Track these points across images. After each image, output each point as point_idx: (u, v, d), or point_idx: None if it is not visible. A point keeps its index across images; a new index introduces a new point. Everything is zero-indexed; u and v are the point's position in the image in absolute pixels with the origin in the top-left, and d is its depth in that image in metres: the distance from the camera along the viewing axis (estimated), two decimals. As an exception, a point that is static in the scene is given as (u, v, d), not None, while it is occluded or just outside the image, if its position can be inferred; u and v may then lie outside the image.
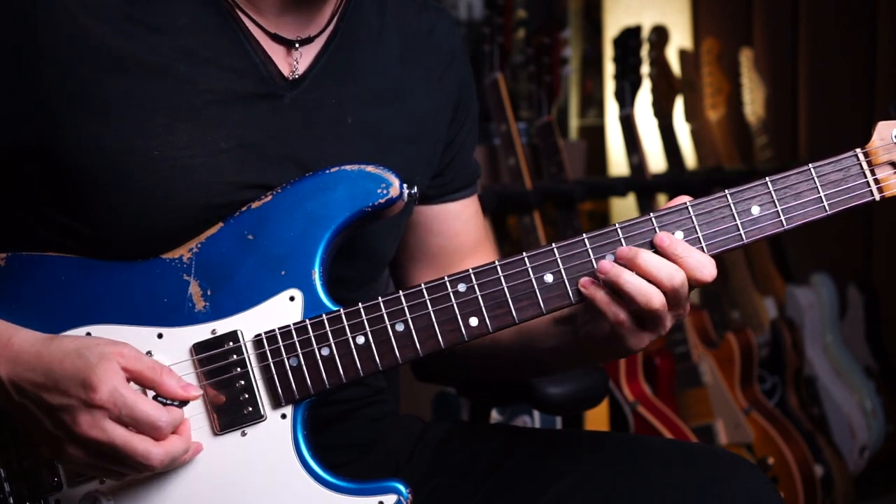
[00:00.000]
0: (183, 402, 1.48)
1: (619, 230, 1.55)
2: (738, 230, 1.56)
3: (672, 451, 1.69)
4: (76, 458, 1.46)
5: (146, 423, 1.44)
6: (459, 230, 1.87)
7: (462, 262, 1.86)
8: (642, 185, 4.16)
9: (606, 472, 1.66)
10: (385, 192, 1.57)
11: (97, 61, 1.52)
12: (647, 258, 1.52)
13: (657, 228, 1.55)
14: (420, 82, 1.77)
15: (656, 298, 1.51)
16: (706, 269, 1.53)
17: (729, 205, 1.56)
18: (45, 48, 1.50)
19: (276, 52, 1.64)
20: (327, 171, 1.58)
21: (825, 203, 1.56)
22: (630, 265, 1.52)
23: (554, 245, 1.56)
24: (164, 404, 1.46)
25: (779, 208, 1.56)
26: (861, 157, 1.57)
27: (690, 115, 4.76)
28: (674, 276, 1.51)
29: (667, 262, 1.52)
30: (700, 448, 1.74)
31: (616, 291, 1.52)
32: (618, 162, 5.11)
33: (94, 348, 1.46)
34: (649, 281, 1.51)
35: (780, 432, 4.00)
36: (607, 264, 1.53)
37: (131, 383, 1.46)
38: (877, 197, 1.57)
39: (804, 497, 3.97)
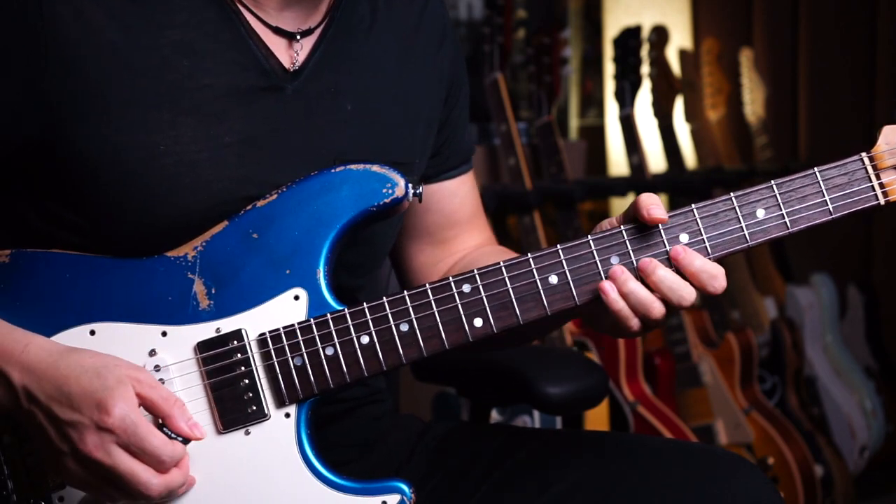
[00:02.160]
0: (186, 440, 1.49)
1: (623, 232, 1.55)
2: (743, 232, 1.56)
3: (672, 451, 1.69)
4: (75, 473, 1.46)
5: (152, 455, 1.44)
6: (456, 207, 1.88)
7: (458, 237, 1.88)
8: (642, 185, 4.15)
9: (606, 472, 1.66)
10: (390, 191, 1.57)
11: (100, 57, 1.52)
12: (663, 275, 1.52)
13: (662, 231, 1.56)
14: (414, 65, 1.78)
15: (657, 308, 1.53)
16: (720, 283, 1.53)
17: (734, 207, 1.56)
18: (49, 44, 1.50)
19: (276, 45, 1.64)
20: (333, 171, 1.58)
21: (830, 206, 1.56)
22: (647, 279, 1.53)
23: (559, 246, 1.56)
24: (169, 437, 1.47)
25: (784, 211, 1.56)
26: (867, 161, 1.56)
27: (690, 115, 4.76)
28: (683, 297, 1.52)
29: (682, 281, 1.52)
30: (700, 448, 1.74)
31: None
32: (618, 162, 5.11)
33: (112, 370, 1.46)
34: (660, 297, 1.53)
35: (780, 432, 4.00)
36: (617, 270, 1.54)
37: (142, 409, 1.47)
38: (882, 201, 1.57)
39: (804, 497, 3.97)
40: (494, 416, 3.10)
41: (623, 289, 1.52)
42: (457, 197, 1.89)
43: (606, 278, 1.54)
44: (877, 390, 4.66)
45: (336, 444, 1.72)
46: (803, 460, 3.99)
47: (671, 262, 1.54)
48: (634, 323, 1.53)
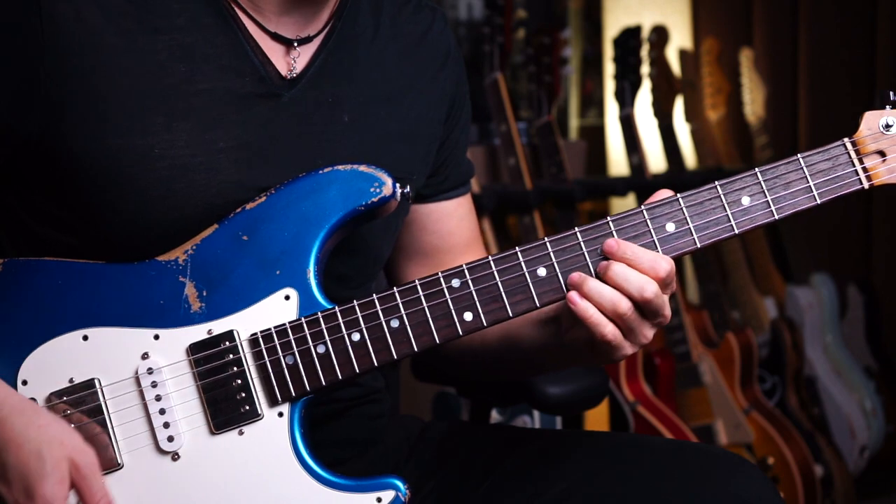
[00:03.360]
0: None
1: (611, 223, 1.57)
2: (730, 221, 1.57)
3: (672, 451, 1.69)
4: None
5: None
6: (453, 229, 1.88)
7: (454, 260, 1.87)
8: (642, 185, 4.15)
9: (606, 472, 1.65)
10: (378, 191, 1.57)
11: (97, 59, 1.53)
12: (617, 270, 1.53)
13: (648, 221, 1.56)
14: (416, 81, 1.78)
15: (623, 304, 1.53)
16: (660, 266, 1.54)
17: (719, 196, 1.57)
18: (48, 46, 1.51)
19: (274, 52, 1.64)
20: (320, 172, 1.59)
21: (815, 192, 1.58)
22: (603, 277, 1.54)
23: (546, 239, 1.57)
24: None
25: (769, 198, 1.57)
26: (849, 146, 1.59)
27: (690, 115, 4.75)
28: (644, 287, 1.53)
29: (638, 274, 1.53)
30: (700, 448, 1.73)
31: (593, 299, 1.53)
32: (618, 162, 5.11)
33: (55, 449, 1.43)
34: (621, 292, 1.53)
35: (780, 432, 4.00)
36: (575, 276, 1.54)
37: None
38: (865, 185, 1.59)
39: (804, 497, 3.96)
40: (494, 416, 3.09)
41: (584, 290, 1.53)
42: (453, 219, 1.88)
43: (568, 290, 1.55)
44: (877, 390, 4.65)
45: (334, 443, 1.72)
46: (803, 460, 3.98)
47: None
48: (609, 330, 1.53)
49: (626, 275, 1.53)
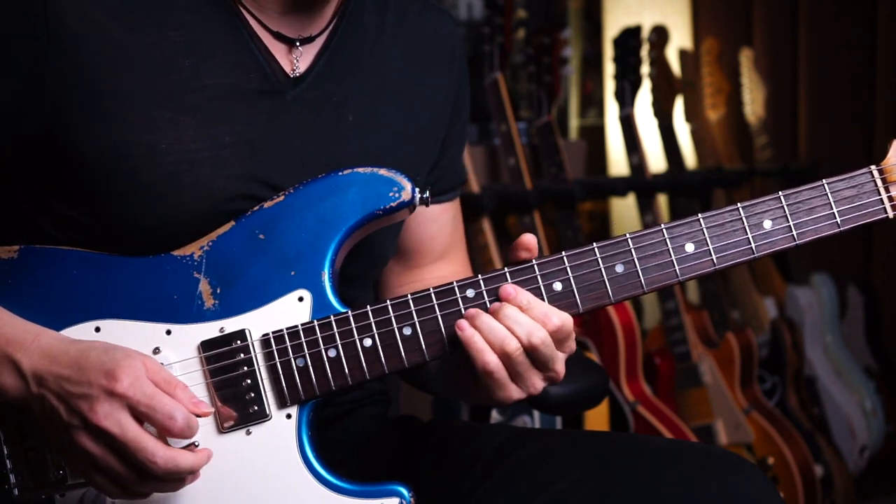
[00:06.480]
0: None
1: (629, 240, 1.56)
2: (750, 244, 1.56)
3: (672, 451, 1.68)
4: (85, 448, 1.46)
5: (162, 413, 1.44)
6: (434, 234, 1.88)
7: (429, 265, 1.88)
8: (642, 185, 4.16)
9: (606, 472, 1.65)
10: (397, 195, 1.57)
11: (103, 55, 1.53)
12: (508, 312, 1.52)
13: (668, 240, 1.56)
14: (422, 81, 1.78)
15: (512, 343, 1.51)
16: (550, 318, 1.52)
17: (741, 218, 1.56)
18: (54, 42, 1.51)
19: (278, 50, 1.65)
20: (340, 174, 1.58)
21: (838, 219, 1.56)
22: (495, 317, 1.52)
23: (564, 253, 1.56)
24: None
25: (791, 223, 1.56)
26: (876, 174, 1.57)
27: (690, 115, 4.76)
28: (532, 332, 1.51)
29: (529, 318, 1.52)
30: (700, 448, 1.73)
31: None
32: (618, 162, 5.12)
33: (120, 348, 1.48)
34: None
35: (780, 432, 4.00)
36: (472, 311, 1.53)
37: None
38: (890, 215, 1.57)
39: (804, 497, 3.97)
40: (494, 416, 3.10)
41: (475, 322, 1.52)
42: (436, 223, 1.88)
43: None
44: (877, 390, 4.66)
45: (335, 444, 1.72)
46: (803, 460, 3.99)
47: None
48: (491, 359, 1.51)
49: (517, 317, 1.52)
